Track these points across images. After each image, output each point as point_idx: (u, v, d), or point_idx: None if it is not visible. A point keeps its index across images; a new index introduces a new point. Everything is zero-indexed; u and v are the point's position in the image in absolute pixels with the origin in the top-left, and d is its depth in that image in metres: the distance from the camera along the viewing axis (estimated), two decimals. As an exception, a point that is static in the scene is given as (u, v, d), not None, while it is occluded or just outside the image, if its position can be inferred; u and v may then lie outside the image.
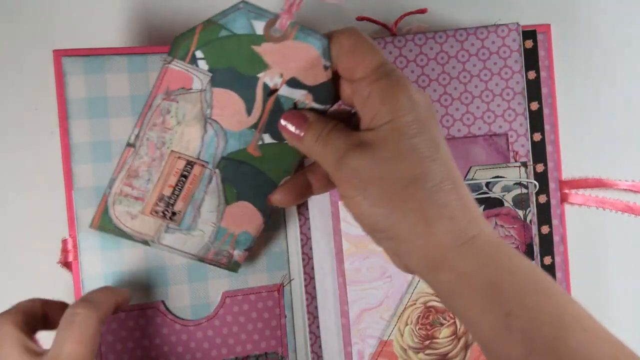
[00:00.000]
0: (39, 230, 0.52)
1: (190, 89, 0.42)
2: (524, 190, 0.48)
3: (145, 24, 0.54)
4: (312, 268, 0.49)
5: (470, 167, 0.48)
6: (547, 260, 0.50)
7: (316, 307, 0.50)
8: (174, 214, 0.45)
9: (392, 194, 0.35)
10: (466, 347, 0.49)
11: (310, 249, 0.50)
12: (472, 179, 0.48)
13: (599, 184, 0.54)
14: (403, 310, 0.49)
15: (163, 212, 0.44)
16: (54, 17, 0.53)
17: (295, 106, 0.42)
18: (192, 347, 0.48)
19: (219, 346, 0.48)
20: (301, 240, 0.50)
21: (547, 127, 0.51)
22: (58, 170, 0.47)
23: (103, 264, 0.46)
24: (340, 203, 0.48)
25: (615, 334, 0.34)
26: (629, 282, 0.56)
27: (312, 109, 0.41)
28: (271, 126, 0.43)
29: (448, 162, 0.36)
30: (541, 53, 0.51)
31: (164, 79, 0.42)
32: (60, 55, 0.46)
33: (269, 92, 0.42)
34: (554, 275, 0.50)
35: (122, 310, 0.43)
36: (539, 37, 0.51)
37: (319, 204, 0.49)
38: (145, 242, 0.45)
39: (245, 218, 0.45)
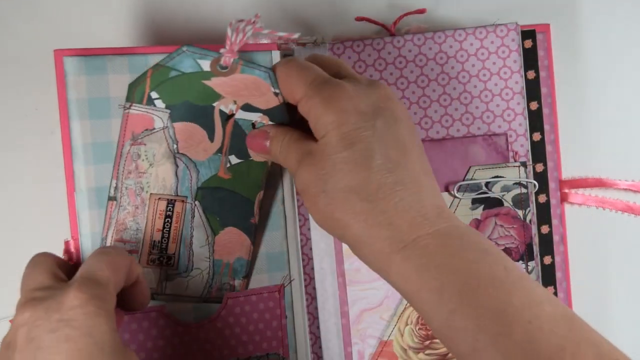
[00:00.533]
0: (41, 231, 0.52)
1: (154, 128, 0.45)
2: (524, 190, 0.48)
3: (147, 24, 0.54)
4: (312, 268, 0.50)
5: (470, 167, 0.48)
6: (547, 260, 0.50)
7: (316, 308, 0.50)
8: (169, 258, 0.46)
9: (335, 206, 0.38)
10: (466, 346, 0.49)
11: (310, 249, 0.50)
12: (471, 179, 0.48)
13: (598, 183, 0.54)
14: (403, 311, 0.49)
15: (159, 259, 0.46)
16: (55, 16, 0.53)
17: (253, 126, 0.45)
18: (194, 349, 0.48)
19: (221, 347, 0.48)
20: (301, 240, 0.50)
21: (546, 127, 0.51)
22: (59, 170, 0.47)
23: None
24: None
25: (615, 334, 0.34)
26: (629, 281, 0.56)
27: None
28: (235, 148, 0.46)
29: (387, 167, 0.37)
30: (540, 53, 0.51)
31: (127, 125, 0.45)
32: (61, 55, 0.46)
33: (226, 117, 0.45)
34: (553, 275, 0.50)
35: (140, 296, 0.44)
36: (538, 36, 0.51)
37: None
38: (151, 297, 0.46)
39: (235, 243, 0.47)
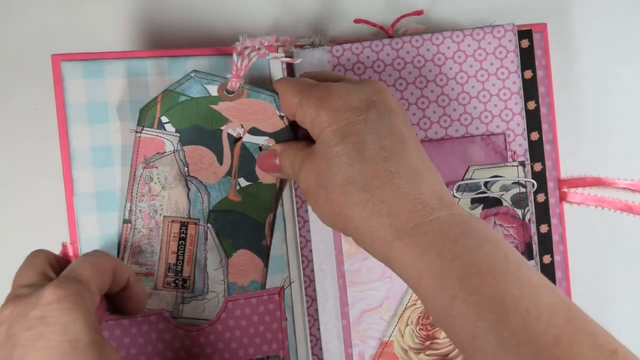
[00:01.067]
0: (41, 234, 0.52)
1: (164, 152, 0.46)
2: (522, 190, 0.48)
3: (145, 28, 0.54)
4: (312, 270, 0.50)
5: (469, 167, 0.48)
6: (547, 259, 0.51)
7: (316, 309, 0.50)
8: (184, 281, 0.47)
9: (334, 201, 0.39)
10: (467, 346, 0.49)
11: (310, 251, 0.50)
12: (470, 179, 0.48)
13: (597, 182, 0.55)
14: (403, 311, 0.49)
15: (175, 282, 0.47)
16: (53, 20, 0.53)
17: (260, 149, 0.47)
18: (196, 353, 0.48)
19: (222, 351, 0.48)
20: (300, 242, 0.50)
21: (545, 126, 0.51)
22: (57, 172, 0.47)
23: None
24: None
25: (615, 333, 0.35)
26: (628, 280, 0.56)
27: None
28: (243, 170, 0.47)
29: (382, 155, 0.38)
30: (538, 52, 0.51)
31: (139, 149, 0.46)
32: (59, 59, 0.46)
33: (234, 140, 0.47)
34: (553, 274, 0.51)
35: (126, 293, 0.44)
36: (536, 36, 0.51)
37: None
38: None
39: (248, 266, 0.48)
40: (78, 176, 0.47)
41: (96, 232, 0.47)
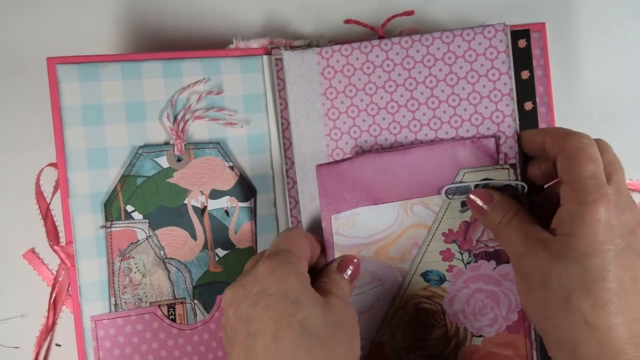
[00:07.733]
0: (37, 231, 0.54)
1: (138, 240, 0.48)
2: (513, 193, 0.48)
3: (139, 31, 0.56)
4: (305, 271, 0.51)
5: (459, 170, 0.48)
6: (542, 261, 0.51)
7: (309, 310, 0.51)
8: None
9: (550, 301, 0.40)
10: (457, 347, 0.50)
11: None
12: (460, 182, 0.48)
13: (596, 183, 0.55)
14: (394, 313, 0.50)
15: None
16: (49, 24, 0.55)
17: (227, 213, 0.49)
18: (189, 351, 0.50)
19: (215, 349, 0.50)
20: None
21: (543, 126, 0.51)
22: (53, 173, 0.49)
23: (100, 270, 0.48)
24: (332, 217, 0.49)
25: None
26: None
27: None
28: (218, 241, 0.49)
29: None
30: (537, 52, 0.51)
31: (112, 243, 0.48)
32: (54, 62, 0.48)
33: (201, 212, 0.49)
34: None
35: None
36: (534, 35, 0.51)
37: (310, 216, 0.50)
38: None
39: None
40: (73, 178, 0.48)
41: (92, 232, 0.48)
